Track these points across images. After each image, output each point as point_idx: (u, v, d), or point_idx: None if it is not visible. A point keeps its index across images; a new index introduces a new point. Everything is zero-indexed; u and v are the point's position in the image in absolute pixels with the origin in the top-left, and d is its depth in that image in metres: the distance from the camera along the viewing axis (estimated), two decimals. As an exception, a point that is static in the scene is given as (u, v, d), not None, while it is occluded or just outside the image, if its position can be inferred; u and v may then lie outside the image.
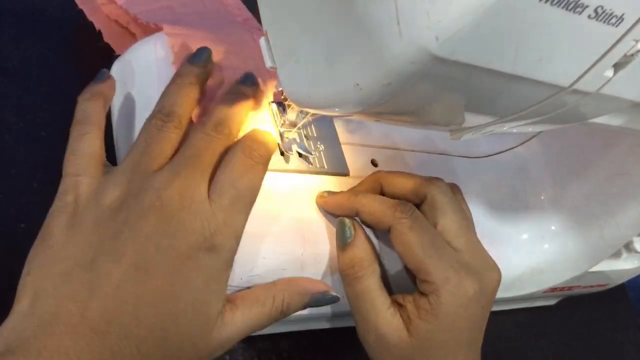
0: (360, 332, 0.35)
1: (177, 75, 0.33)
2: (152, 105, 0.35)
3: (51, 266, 0.28)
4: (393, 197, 0.37)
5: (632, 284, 0.61)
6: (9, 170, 0.39)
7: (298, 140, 0.38)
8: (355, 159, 0.42)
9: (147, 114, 0.35)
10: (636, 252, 0.50)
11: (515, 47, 0.21)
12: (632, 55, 0.23)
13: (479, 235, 0.37)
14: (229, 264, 0.30)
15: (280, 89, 0.35)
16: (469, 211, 0.39)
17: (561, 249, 0.50)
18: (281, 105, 0.37)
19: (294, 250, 0.35)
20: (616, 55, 0.23)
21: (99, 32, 0.43)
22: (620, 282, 0.57)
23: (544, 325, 0.59)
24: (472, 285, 0.33)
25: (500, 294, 0.49)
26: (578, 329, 0.61)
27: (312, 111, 0.31)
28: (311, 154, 0.38)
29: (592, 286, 0.55)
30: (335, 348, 0.44)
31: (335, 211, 0.37)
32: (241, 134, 0.33)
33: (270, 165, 0.35)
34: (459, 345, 0.34)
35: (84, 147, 0.31)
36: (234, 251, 0.30)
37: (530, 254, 0.50)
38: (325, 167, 0.39)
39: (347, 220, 0.35)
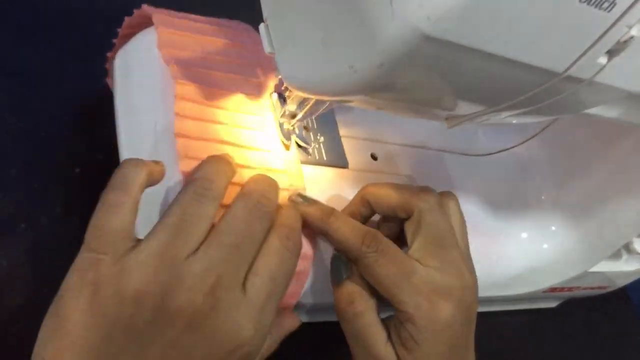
0: None
1: (212, 156, 0.32)
2: (155, 96, 0.35)
3: (70, 356, 0.26)
4: (381, 213, 0.36)
5: (634, 286, 0.60)
6: (9, 170, 0.39)
7: (297, 131, 0.38)
8: (355, 152, 0.42)
9: (149, 105, 0.35)
10: (637, 253, 0.49)
11: (507, 29, 0.21)
12: (625, 42, 0.23)
13: (479, 235, 0.37)
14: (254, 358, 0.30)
15: (280, 76, 0.35)
16: (462, 220, 0.37)
17: (561, 249, 0.50)
18: (281, 96, 0.37)
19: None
20: (609, 41, 0.23)
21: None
22: (621, 284, 0.56)
23: (545, 327, 0.59)
24: (446, 307, 0.32)
25: (500, 292, 0.49)
26: (579, 331, 0.61)
27: (309, 96, 0.31)
28: (310, 145, 0.38)
29: (592, 288, 0.55)
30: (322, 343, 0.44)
31: (306, 224, 0.35)
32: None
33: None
34: None
35: (113, 223, 0.27)
36: (261, 348, 0.30)
37: (530, 253, 0.50)
38: (325, 158, 0.39)
39: (343, 257, 0.34)
